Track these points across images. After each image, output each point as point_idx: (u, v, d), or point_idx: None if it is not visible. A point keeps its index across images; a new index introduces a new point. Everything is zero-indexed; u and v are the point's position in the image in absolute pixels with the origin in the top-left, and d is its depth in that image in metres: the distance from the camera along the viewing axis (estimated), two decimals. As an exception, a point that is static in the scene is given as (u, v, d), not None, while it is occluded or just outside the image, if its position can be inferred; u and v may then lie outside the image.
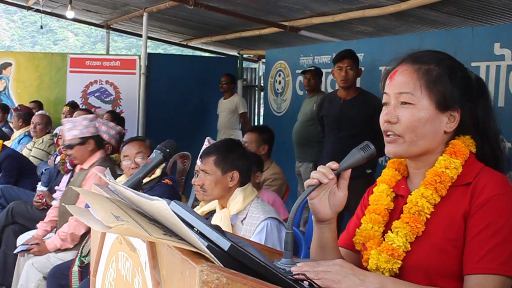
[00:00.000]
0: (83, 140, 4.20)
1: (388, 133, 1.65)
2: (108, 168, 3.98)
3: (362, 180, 4.84)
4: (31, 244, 4.12)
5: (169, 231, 1.27)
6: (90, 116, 4.45)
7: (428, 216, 1.58)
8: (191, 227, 1.30)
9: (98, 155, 4.24)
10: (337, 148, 4.83)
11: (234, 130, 8.53)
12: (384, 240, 1.63)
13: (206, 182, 2.99)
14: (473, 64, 5.50)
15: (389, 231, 1.62)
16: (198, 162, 3.25)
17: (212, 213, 3.22)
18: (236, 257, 1.20)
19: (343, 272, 1.46)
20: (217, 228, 1.33)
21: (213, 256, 1.17)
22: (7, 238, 4.86)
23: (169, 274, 1.32)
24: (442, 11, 5.91)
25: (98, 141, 4.29)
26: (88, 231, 3.98)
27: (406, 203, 1.64)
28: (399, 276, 1.58)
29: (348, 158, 1.71)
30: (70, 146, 4.20)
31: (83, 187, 4.02)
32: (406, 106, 1.62)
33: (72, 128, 4.22)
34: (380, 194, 1.72)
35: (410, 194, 1.63)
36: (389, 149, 1.66)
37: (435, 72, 1.62)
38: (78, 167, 4.34)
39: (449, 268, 1.54)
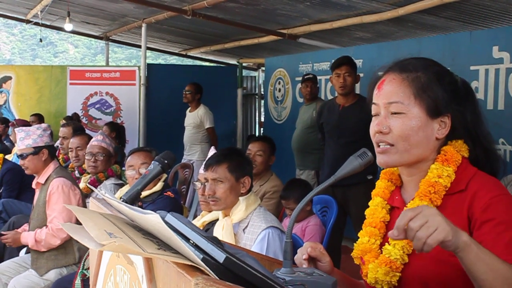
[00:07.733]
0: (37, 150, 4.08)
1: (380, 143, 1.63)
2: (66, 178, 3.97)
3: (363, 186, 4.84)
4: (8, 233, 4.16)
5: (164, 245, 1.26)
6: (44, 125, 4.33)
7: None
8: (187, 239, 1.29)
9: (52, 167, 4.12)
10: (337, 155, 4.81)
11: (198, 145, 7.97)
12: (382, 253, 1.62)
13: (220, 190, 2.93)
14: (472, 68, 5.49)
15: (386, 243, 1.60)
16: (202, 171, 3.14)
17: (213, 223, 3.20)
18: (231, 269, 1.19)
19: (436, 220, 1.36)
20: (214, 240, 1.32)
21: (208, 268, 1.16)
22: (10, 252, 4.85)
23: (165, 288, 1.31)
24: (440, 16, 5.91)
25: (51, 151, 4.18)
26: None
27: None
28: None
29: (345, 165, 1.70)
30: (23, 156, 4.08)
31: (48, 203, 3.98)
32: (397, 115, 1.60)
33: (26, 138, 4.10)
34: (375, 207, 1.71)
35: (406, 206, 1.61)
36: (380, 159, 1.64)
37: (423, 79, 1.61)
38: (35, 183, 4.21)
39: (447, 277, 1.52)
